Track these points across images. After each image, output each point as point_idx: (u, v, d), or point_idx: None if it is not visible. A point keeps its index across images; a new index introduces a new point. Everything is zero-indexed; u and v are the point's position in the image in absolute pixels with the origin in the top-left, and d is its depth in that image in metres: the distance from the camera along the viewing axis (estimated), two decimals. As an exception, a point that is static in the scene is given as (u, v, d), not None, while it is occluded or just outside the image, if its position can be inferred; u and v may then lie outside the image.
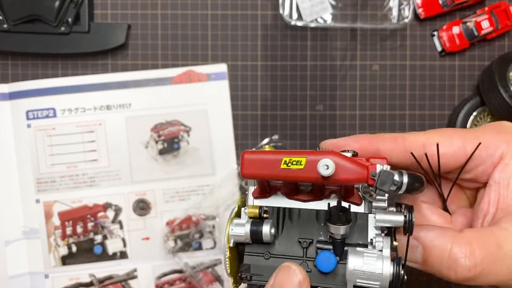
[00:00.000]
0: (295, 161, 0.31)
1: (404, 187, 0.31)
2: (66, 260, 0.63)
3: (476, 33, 0.62)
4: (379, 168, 0.31)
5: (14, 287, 0.62)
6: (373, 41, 0.64)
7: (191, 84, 0.63)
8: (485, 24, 0.62)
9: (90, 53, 0.63)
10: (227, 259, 0.34)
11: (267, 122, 0.64)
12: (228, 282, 0.63)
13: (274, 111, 0.64)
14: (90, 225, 0.63)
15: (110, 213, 0.63)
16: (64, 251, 0.63)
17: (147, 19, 0.63)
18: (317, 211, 0.34)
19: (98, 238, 0.63)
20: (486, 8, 0.63)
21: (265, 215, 0.35)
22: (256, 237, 0.34)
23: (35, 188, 0.63)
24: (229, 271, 0.34)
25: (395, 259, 0.32)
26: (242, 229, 0.34)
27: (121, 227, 0.63)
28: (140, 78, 0.63)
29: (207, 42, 0.63)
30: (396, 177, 0.31)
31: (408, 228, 0.33)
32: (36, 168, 0.63)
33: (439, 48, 0.64)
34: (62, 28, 0.61)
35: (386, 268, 0.31)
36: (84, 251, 0.63)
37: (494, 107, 0.60)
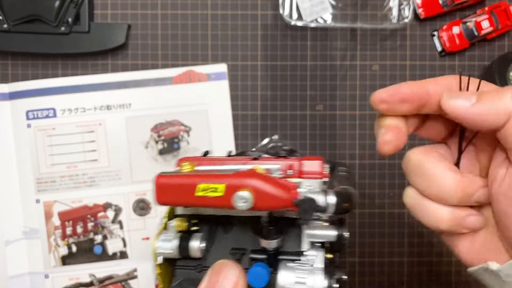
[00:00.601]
0: (212, 188, 0.29)
1: (331, 210, 0.30)
2: (66, 260, 0.63)
3: (476, 33, 0.62)
4: (302, 194, 0.29)
5: (14, 287, 0.62)
6: (373, 41, 0.64)
7: (191, 84, 0.63)
8: (485, 24, 0.62)
9: (90, 53, 0.63)
10: (157, 276, 0.32)
11: (267, 122, 0.64)
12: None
13: (274, 111, 0.64)
14: (90, 225, 0.63)
15: (110, 213, 0.63)
16: (64, 251, 0.63)
17: (147, 19, 0.63)
18: (251, 218, 0.33)
19: (98, 238, 0.63)
20: (486, 8, 0.63)
21: (194, 228, 0.32)
22: (184, 253, 0.32)
23: (35, 188, 0.63)
24: (161, 286, 0.32)
25: (328, 272, 0.30)
26: (169, 245, 0.32)
27: (121, 227, 0.63)
28: (140, 78, 0.63)
29: (207, 42, 0.63)
30: (321, 201, 0.29)
31: (337, 244, 0.31)
32: (36, 168, 0.63)
33: (439, 48, 0.64)
34: (62, 28, 0.61)
35: (318, 284, 0.30)
36: (84, 251, 0.63)
37: (494, 107, 0.60)
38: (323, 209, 0.30)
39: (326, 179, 0.34)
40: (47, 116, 0.63)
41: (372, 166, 0.64)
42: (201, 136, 0.63)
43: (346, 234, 0.32)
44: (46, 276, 0.63)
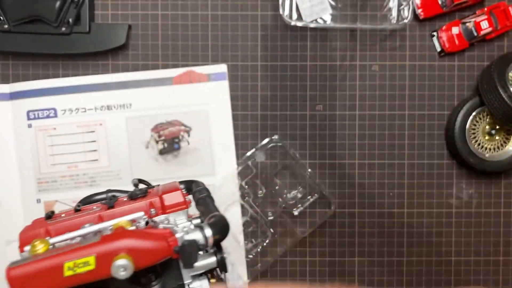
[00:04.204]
0: (81, 263, 0.26)
1: (210, 243, 0.29)
2: (66, 259, 0.63)
3: (475, 34, 0.63)
4: (180, 240, 0.29)
5: (15, 286, 0.63)
6: (373, 41, 0.64)
7: (191, 84, 0.63)
8: (484, 25, 0.62)
9: (91, 53, 0.63)
10: None
11: (267, 122, 0.64)
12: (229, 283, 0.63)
13: (274, 111, 0.64)
14: (90, 224, 0.63)
15: (111, 213, 0.63)
16: (64, 250, 0.63)
17: (148, 19, 0.64)
18: None
19: (99, 237, 0.63)
20: (486, 9, 0.63)
21: None
22: None
23: (36, 188, 0.63)
24: None
25: None
26: None
27: (122, 227, 0.63)
28: (141, 78, 0.63)
29: (207, 42, 0.64)
30: (201, 239, 0.29)
31: (219, 267, 0.31)
32: (37, 168, 0.63)
33: (438, 49, 0.64)
34: (63, 29, 0.62)
35: None
36: (84, 250, 0.63)
37: (493, 107, 0.60)
38: (204, 246, 0.29)
39: (191, 205, 0.33)
40: (48, 116, 0.63)
41: (371, 166, 0.64)
42: (201, 136, 0.63)
43: (225, 255, 0.31)
44: (47, 276, 0.63)
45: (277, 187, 0.64)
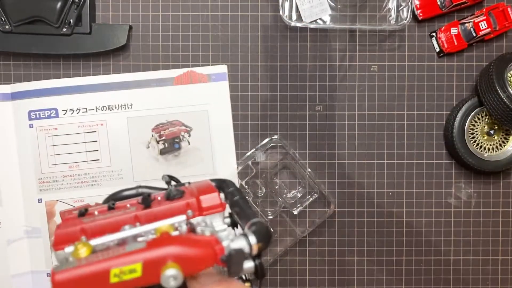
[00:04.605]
0: (128, 270, 0.26)
1: (254, 251, 0.29)
2: (68, 259, 0.63)
3: (474, 34, 0.63)
4: (227, 249, 0.28)
5: (16, 286, 0.63)
6: (372, 42, 0.64)
7: (192, 84, 0.64)
8: (483, 25, 0.63)
9: (92, 54, 0.63)
10: None
11: (267, 122, 0.65)
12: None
13: (274, 111, 0.65)
14: (91, 224, 0.64)
15: (112, 213, 0.64)
16: (66, 250, 0.63)
17: (148, 20, 0.64)
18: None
19: (100, 237, 0.64)
20: (484, 9, 0.63)
21: None
22: None
23: (37, 188, 0.63)
24: None
25: None
26: None
27: (123, 226, 0.64)
28: (142, 79, 0.64)
29: (208, 43, 0.64)
30: (246, 248, 0.28)
31: (259, 272, 0.30)
32: (38, 168, 0.63)
33: (437, 49, 0.64)
34: (64, 29, 0.62)
35: None
36: (85, 250, 0.64)
37: (492, 108, 0.61)
38: (249, 255, 0.29)
39: (227, 207, 0.33)
40: (49, 116, 0.63)
41: (370, 166, 0.65)
42: (201, 136, 0.64)
43: (263, 260, 0.31)
44: (49, 275, 0.63)
45: (277, 187, 0.65)
